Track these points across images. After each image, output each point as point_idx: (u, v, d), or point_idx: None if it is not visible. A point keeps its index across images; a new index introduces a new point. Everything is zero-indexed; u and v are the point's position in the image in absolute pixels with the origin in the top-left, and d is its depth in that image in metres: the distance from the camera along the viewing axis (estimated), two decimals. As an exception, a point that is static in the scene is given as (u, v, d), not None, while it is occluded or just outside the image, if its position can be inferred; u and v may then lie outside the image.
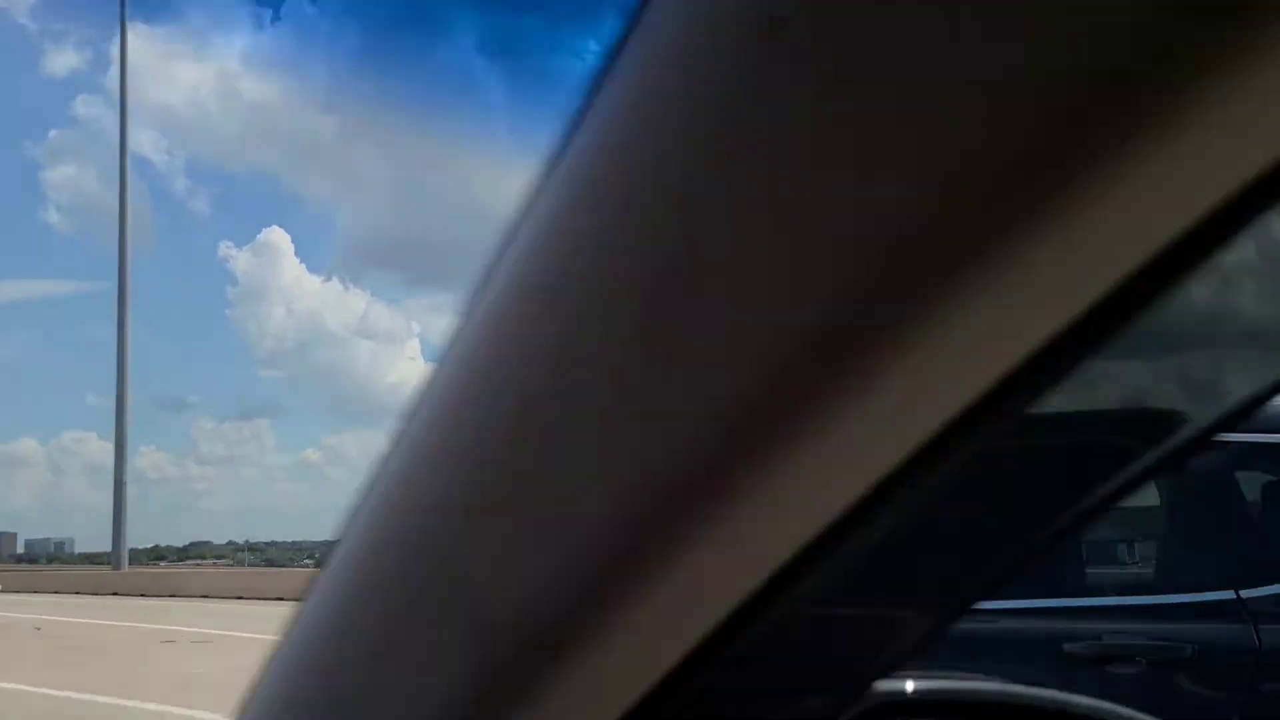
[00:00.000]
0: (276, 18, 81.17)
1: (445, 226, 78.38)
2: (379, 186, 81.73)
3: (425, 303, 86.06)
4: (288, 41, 78.69)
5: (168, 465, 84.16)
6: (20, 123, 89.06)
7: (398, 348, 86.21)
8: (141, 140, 79.19)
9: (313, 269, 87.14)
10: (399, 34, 73.47)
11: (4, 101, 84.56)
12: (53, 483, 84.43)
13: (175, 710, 7.52)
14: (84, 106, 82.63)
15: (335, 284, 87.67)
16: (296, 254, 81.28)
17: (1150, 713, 0.86)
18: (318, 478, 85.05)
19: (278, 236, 79.32)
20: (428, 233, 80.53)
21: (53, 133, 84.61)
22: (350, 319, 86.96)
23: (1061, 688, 0.87)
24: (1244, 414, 0.27)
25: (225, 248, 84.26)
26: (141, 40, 75.45)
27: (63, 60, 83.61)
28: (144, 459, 77.82)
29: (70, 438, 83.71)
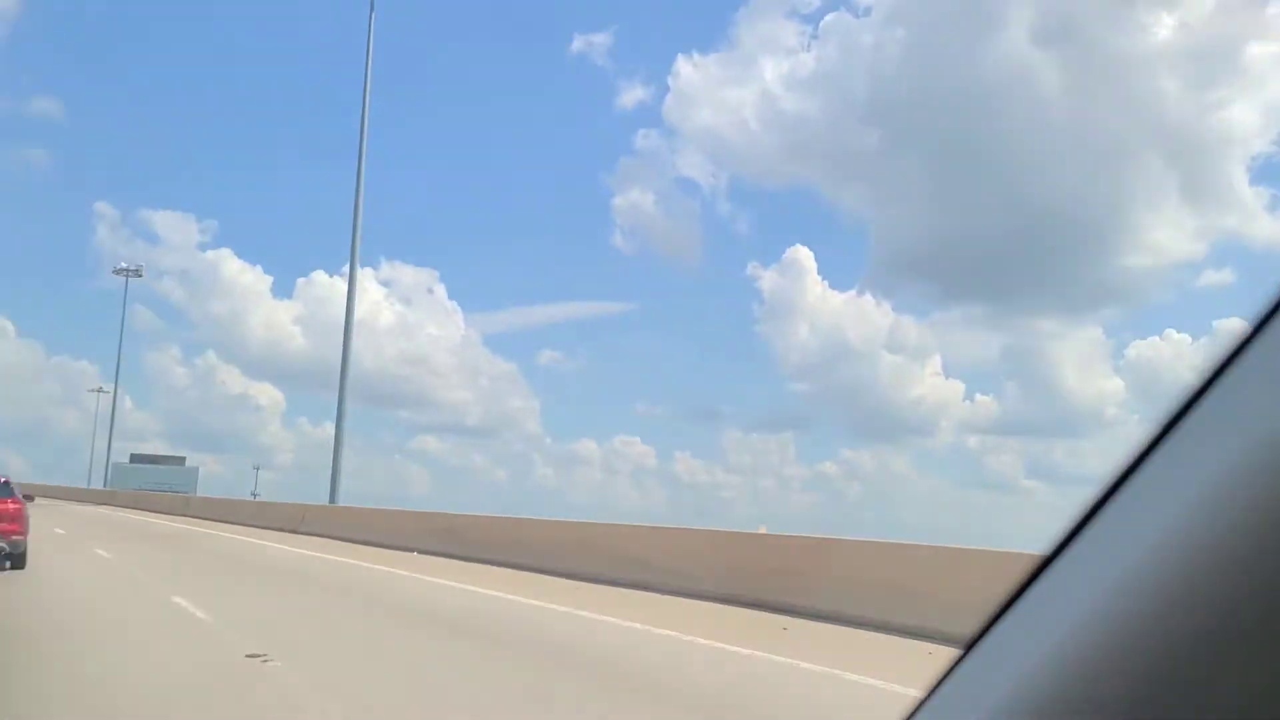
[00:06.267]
0: (815, 35, 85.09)
1: (982, 237, 75.70)
2: (915, 197, 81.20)
3: (956, 315, 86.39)
4: (829, 58, 78.89)
5: (699, 471, 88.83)
6: (596, 154, 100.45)
7: (921, 363, 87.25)
8: (691, 163, 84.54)
9: (834, 285, 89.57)
10: (945, 32, 70.57)
11: (585, 136, 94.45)
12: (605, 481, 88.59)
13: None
14: (643, 139, 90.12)
15: (867, 298, 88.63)
16: (819, 272, 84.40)
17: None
18: (831, 491, 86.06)
19: (802, 255, 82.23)
20: (963, 244, 77.35)
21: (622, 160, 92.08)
22: (875, 333, 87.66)
23: None
24: None
25: (753, 267, 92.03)
26: (694, 69, 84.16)
27: (631, 95, 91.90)
28: (679, 464, 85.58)
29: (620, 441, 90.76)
